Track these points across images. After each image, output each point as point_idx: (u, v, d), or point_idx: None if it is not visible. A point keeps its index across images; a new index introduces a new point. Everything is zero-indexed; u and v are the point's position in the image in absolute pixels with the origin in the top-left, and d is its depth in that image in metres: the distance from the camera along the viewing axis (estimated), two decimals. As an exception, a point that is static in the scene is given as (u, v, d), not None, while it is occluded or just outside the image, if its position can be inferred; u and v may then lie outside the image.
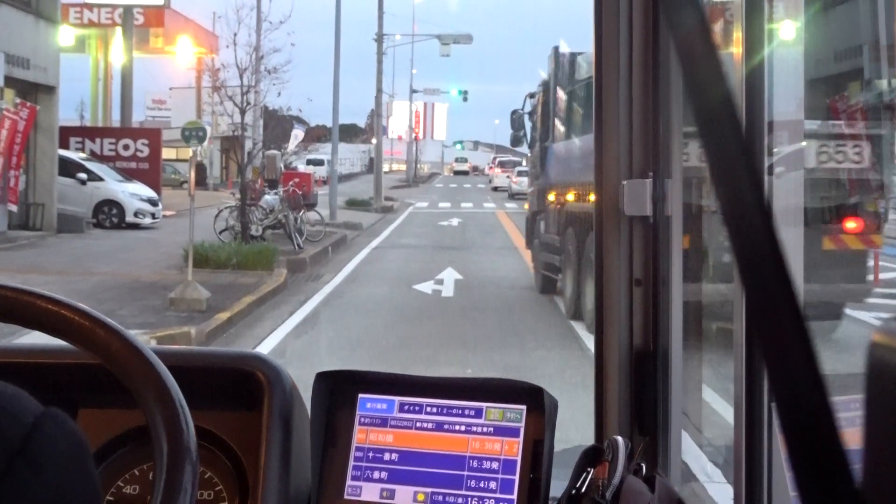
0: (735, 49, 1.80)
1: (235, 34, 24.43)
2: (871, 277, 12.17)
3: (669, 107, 2.12)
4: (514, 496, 1.84)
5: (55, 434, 0.90)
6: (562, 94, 17.49)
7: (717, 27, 2.31)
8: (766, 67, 1.83)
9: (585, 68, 16.37)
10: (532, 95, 19.68)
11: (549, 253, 17.43)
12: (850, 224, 10.75)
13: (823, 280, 10.77)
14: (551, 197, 17.60)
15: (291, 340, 13.52)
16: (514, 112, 20.51)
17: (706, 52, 0.60)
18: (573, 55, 17.45)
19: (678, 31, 0.61)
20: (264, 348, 12.30)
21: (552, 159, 17.97)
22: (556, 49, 17.70)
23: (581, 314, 14.62)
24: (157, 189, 32.08)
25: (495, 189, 66.00)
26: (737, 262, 0.58)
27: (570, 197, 16.22)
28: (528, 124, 20.19)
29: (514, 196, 55.47)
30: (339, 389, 1.97)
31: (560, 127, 17.78)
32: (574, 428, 5.54)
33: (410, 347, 12.99)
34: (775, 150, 2.32)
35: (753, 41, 1.77)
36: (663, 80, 2.13)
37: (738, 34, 1.79)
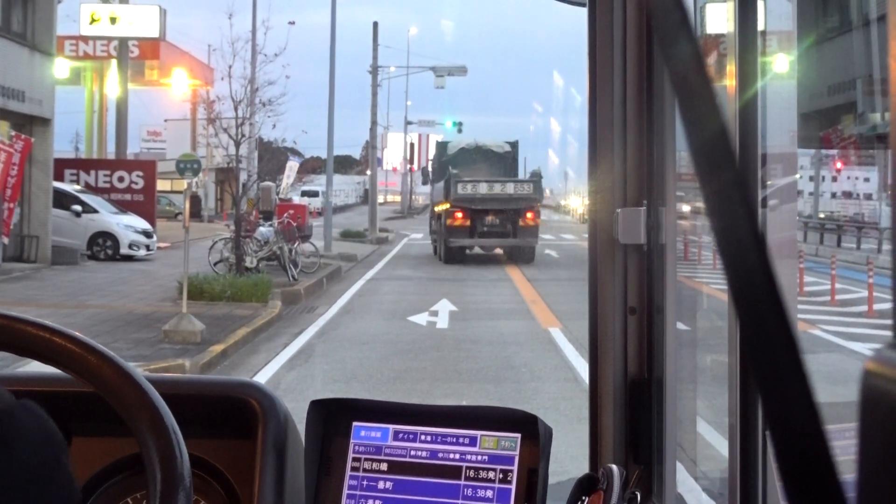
0: (729, 82, 1.81)
1: (230, 66, 24.50)
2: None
3: (663, 136, 2.12)
4: None
5: (28, 424, 0.91)
6: (437, 163, 38.01)
7: (711, 60, 2.33)
8: (759, 100, 1.84)
9: (449, 149, 37.49)
10: (431, 160, 42.14)
11: (434, 234, 36.36)
12: None
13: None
14: (435, 209, 36.23)
15: (286, 373, 13.49)
16: (423, 168, 48.43)
17: (701, 84, 0.61)
18: (445, 143, 39.71)
19: (673, 63, 0.62)
20: (259, 380, 12.25)
21: (433, 191, 38.03)
22: (437, 142, 42.23)
23: (440, 257, 33.12)
24: (151, 221, 32.08)
25: None
26: (731, 292, 0.59)
27: (440, 209, 34.28)
28: (430, 174, 41.28)
29: None
30: (334, 418, 1.96)
31: (436, 177, 37.42)
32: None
33: (405, 380, 12.96)
34: (769, 182, 2.32)
35: (747, 74, 1.78)
36: (657, 110, 2.14)
37: (731, 67, 1.80)
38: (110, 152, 41.26)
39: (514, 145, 37.52)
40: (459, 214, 32.17)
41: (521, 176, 36.61)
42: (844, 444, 1.35)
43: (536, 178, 34.34)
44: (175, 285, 19.82)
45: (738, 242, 0.58)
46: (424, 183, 44.66)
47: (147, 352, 14.03)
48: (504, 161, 36.59)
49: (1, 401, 0.91)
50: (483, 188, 32.67)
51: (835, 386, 9.14)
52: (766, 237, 0.59)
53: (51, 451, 0.95)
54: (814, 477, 0.56)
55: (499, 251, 33.87)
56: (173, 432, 1.25)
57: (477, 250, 33.61)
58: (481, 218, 32.41)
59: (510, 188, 33.03)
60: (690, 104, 0.61)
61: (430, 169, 40.92)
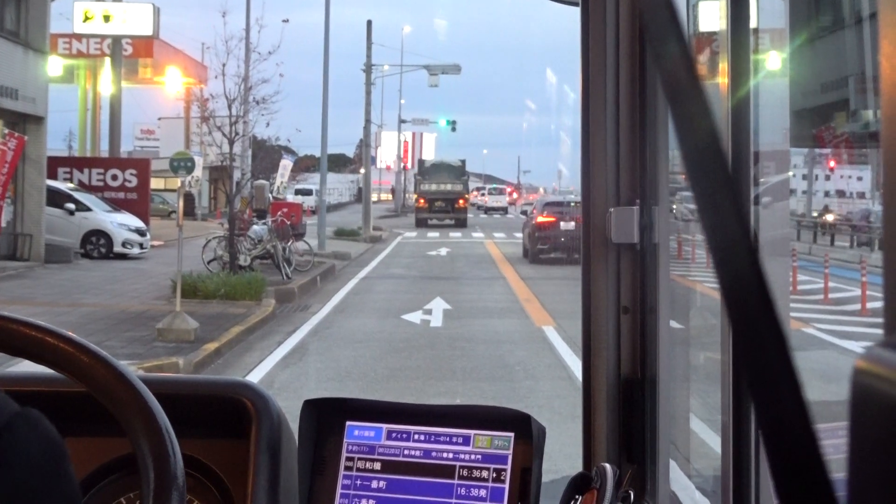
0: (721, 80, 1.81)
1: (224, 65, 24.49)
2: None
3: (656, 135, 2.12)
4: None
5: (28, 435, 0.90)
6: (419, 171, 65.60)
7: (703, 58, 2.33)
8: (751, 98, 1.84)
9: (426, 164, 66.07)
10: (417, 168, 69.77)
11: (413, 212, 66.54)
12: None
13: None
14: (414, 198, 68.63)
15: (279, 371, 13.49)
16: (414, 175, 71.14)
17: (691, 84, 0.61)
18: (424, 160, 72.00)
19: (663, 63, 0.62)
20: (252, 379, 12.25)
21: (416, 188, 66.69)
22: (418, 159, 79.99)
23: (417, 223, 59.54)
24: (145, 219, 32.03)
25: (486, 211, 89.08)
26: (722, 292, 0.59)
27: (415, 198, 67.49)
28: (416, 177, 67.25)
29: (487, 210, 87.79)
30: (327, 417, 1.96)
31: (418, 178, 64.48)
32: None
33: (399, 379, 12.97)
34: (761, 180, 2.32)
35: (739, 72, 1.78)
36: (650, 109, 2.14)
37: (724, 65, 1.80)
38: (104, 150, 41.22)
39: (464, 161, 64.44)
40: (422, 200, 61.05)
41: (469, 180, 68.29)
42: (836, 443, 1.35)
43: (464, 181, 61.99)
44: (169, 284, 19.81)
45: (729, 242, 0.58)
46: (414, 187, 69.10)
47: (141, 350, 14.02)
48: (458, 170, 62.45)
49: (1, 413, 0.90)
50: (434, 186, 60.20)
51: (828, 384, 9.14)
52: (757, 236, 0.59)
53: (51, 463, 0.94)
54: (805, 475, 0.56)
55: (449, 221, 58.81)
56: (166, 432, 1.25)
57: (434, 221, 59.16)
58: (434, 202, 60.12)
59: (449, 186, 60.04)
60: (681, 104, 0.61)
61: (419, 174, 65.84)
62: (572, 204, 34.02)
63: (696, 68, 0.61)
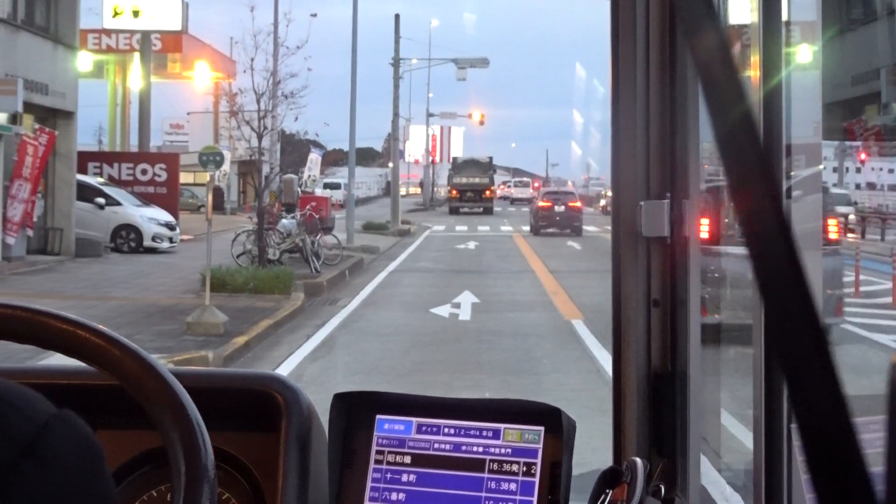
0: (752, 72, 1.80)
1: (252, 59, 24.53)
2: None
3: (687, 128, 2.11)
4: None
5: (66, 435, 0.90)
6: (452, 167, 73.68)
7: (735, 50, 2.31)
8: (783, 91, 1.83)
9: (458, 160, 74.95)
10: (451, 164, 77.77)
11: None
12: None
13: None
14: (447, 190, 77.24)
15: (308, 365, 13.53)
16: (448, 170, 77.08)
17: (726, 71, 0.60)
18: (456, 157, 79.42)
19: (698, 52, 0.61)
20: (281, 372, 12.26)
21: (449, 181, 74.34)
22: (452, 157, 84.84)
23: (450, 211, 70.15)
24: (174, 213, 32.17)
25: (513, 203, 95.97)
26: (757, 281, 0.58)
27: (448, 189, 77.07)
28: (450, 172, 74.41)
29: (513, 202, 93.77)
30: (357, 411, 1.96)
31: (451, 173, 72.69)
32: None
33: (427, 372, 12.97)
34: (793, 173, 2.31)
35: (771, 65, 1.77)
36: (680, 101, 2.13)
37: (755, 58, 1.79)
38: (133, 145, 41.41)
39: (490, 158, 74.16)
40: (454, 192, 70.12)
41: (496, 174, 78.41)
42: (870, 437, 1.34)
43: (490, 175, 70.73)
44: (198, 277, 19.88)
45: (763, 229, 0.57)
46: (447, 181, 77.51)
47: (170, 344, 14.08)
48: (485, 166, 71.01)
49: (40, 413, 0.90)
50: (464, 180, 69.03)
51: (860, 378, 9.09)
52: (791, 224, 0.58)
53: (89, 464, 0.95)
54: (842, 469, 0.55)
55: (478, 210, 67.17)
56: (197, 425, 1.25)
57: (465, 210, 67.78)
58: (464, 193, 68.78)
59: (477, 179, 68.67)
60: (715, 92, 0.60)
61: (453, 168, 75.09)
62: (566, 192, 49.81)
63: (732, 57, 0.61)
